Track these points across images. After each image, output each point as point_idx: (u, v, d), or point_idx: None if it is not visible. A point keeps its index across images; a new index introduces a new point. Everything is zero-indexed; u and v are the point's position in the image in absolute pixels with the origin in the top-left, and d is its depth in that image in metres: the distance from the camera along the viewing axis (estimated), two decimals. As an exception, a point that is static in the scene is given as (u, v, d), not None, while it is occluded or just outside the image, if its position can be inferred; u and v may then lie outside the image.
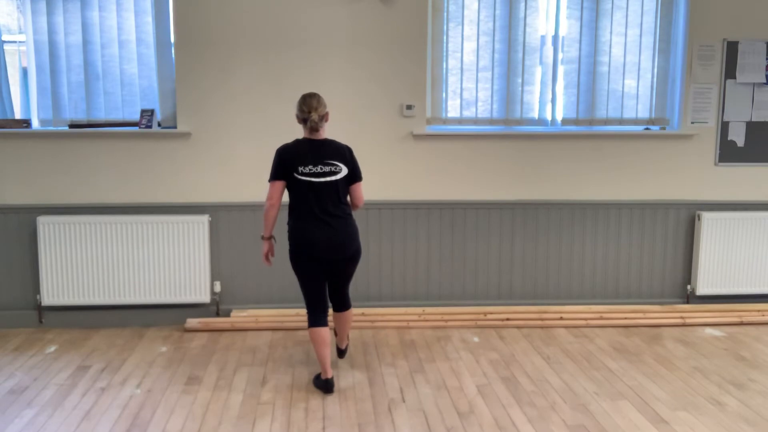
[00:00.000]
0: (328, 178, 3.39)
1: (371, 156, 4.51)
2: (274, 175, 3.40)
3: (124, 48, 4.41)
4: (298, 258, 3.44)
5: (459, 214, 4.66)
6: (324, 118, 3.41)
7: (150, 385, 3.57)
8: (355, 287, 4.42)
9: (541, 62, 4.65)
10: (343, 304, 3.68)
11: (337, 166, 3.42)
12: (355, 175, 3.49)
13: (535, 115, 4.69)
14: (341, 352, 3.86)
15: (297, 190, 3.40)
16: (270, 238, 3.53)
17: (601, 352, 4.06)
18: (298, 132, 3.51)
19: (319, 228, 3.39)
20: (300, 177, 3.37)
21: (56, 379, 3.65)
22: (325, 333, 3.47)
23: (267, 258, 3.58)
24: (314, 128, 3.40)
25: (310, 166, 3.37)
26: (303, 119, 3.41)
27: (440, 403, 3.35)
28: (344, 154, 3.46)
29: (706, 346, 4.17)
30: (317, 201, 3.38)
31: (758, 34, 4.67)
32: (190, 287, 4.46)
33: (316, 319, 3.48)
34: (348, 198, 3.52)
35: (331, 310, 3.68)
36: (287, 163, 3.37)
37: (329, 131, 3.55)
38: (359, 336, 4.34)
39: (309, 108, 3.37)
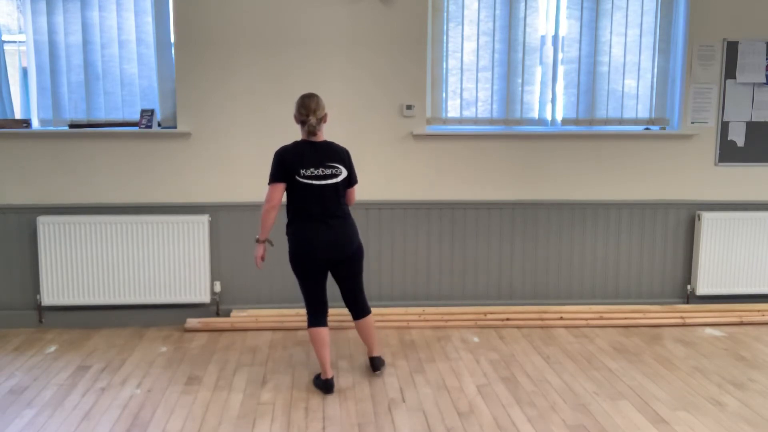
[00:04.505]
0: (330, 181, 3.39)
1: (371, 156, 4.52)
2: (275, 178, 3.38)
3: (124, 48, 4.41)
4: (298, 259, 3.43)
5: (459, 214, 4.66)
6: (322, 120, 3.41)
7: (150, 385, 3.57)
8: (355, 287, 4.42)
9: (541, 62, 4.65)
10: (361, 310, 3.60)
11: (338, 168, 3.42)
12: (351, 179, 3.50)
13: (535, 115, 4.68)
14: (375, 365, 3.66)
15: (297, 192, 3.39)
16: (265, 241, 3.48)
17: (601, 352, 4.06)
18: (298, 132, 3.51)
19: (319, 229, 3.39)
20: (301, 180, 3.36)
21: (56, 379, 3.65)
22: (325, 333, 3.47)
23: (259, 261, 3.50)
24: (312, 132, 3.39)
25: (312, 169, 3.37)
26: (301, 121, 3.41)
27: (440, 403, 3.35)
28: (343, 156, 3.47)
29: (706, 346, 4.17)
30: (318, 203, 3.38)
31: (758, 34, 4.66)
32: (190, 287, 4.46)
33: (316, 319, 3.47)
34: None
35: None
36: (288, 165, 3.36)
37: (329, 131, 3.55)
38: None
39: (307, 111, 3.36)
